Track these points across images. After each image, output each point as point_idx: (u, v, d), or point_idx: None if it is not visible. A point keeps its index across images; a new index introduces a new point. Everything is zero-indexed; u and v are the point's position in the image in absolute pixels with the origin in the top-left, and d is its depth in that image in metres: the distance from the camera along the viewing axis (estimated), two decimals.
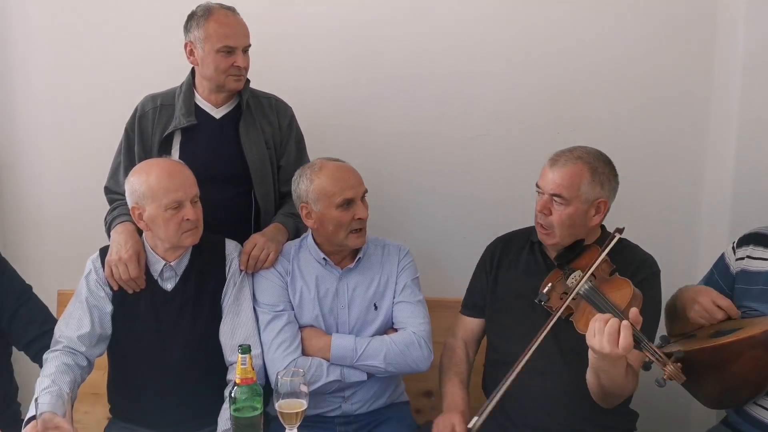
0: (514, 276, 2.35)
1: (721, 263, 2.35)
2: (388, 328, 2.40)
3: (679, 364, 1.91)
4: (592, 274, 2.11)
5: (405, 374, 2.42)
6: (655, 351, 1.91)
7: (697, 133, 2.92)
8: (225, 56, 2.44)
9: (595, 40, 2.90)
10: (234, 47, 2.44)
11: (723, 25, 2.82)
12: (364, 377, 2.33)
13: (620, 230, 2.19)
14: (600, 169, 2.21)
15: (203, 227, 2.31)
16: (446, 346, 2.42)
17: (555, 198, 2.19)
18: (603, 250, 2.15)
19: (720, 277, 2.33)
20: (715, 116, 2.88)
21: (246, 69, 2.50)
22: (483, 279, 2.42)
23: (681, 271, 2.80)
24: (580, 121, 2.90)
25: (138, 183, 2.21)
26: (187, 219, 2.20)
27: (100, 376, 2.47)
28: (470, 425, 2.06)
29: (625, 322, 1.86)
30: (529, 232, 2.40)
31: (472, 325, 2.42)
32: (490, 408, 2.04)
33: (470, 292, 2.47)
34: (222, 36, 2.43)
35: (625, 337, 1.84)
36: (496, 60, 2.94)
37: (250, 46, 2.51)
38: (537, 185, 2.26)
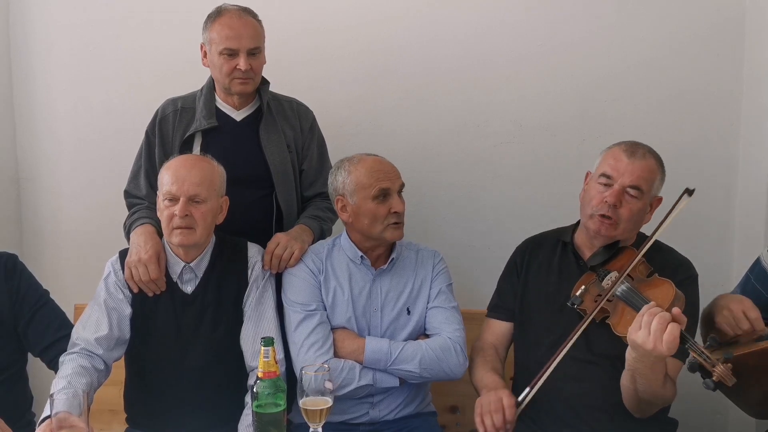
0: (544, 279, 2.26)
1: (757, 267, 2.27)
2: (420, 334, 2.34)
3: (729, 365, 1.79)
4: (629, 275, 2.02)
5: (438, 381, 2.34)
6: (702, 351, 1.81)
7: (729, 138, 2.87)
8: (227, 59, 2.40)
9: (621, 44, 2.87)
10: (236, 50, 2.39)
11: (752, 26, 2.78)
12: (397, 383, 2.25)
13: (690, 191, 2.03)
14: (663, 166, 2.16)
15: (224, 229, 2.28)
16: (475, 348, 2.33)
17: (630, 190, 2.08)
18: (672, 208, 2.00)
19: (757, 281, 2.24)
20: (747, 120, 2.83)
21: (254, 72, 2.43)
22: (512, 281, 2.33)
23: (715, 279, 2.73)
24: (606, 127, 2.85)
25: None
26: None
27: (116, 392, 2.41)
28: (520, 398, 1.96)
29: (673, 320, 1.76)
30: (560, 233, 2.32)
31: (501, 328, 2.32)
32: (540, 382, 1.95)
33: (498, 294, 2.38)
34: (223, 38, 2.39)
35: (671, 332, 1.74)
36: (520, 66, 2.92)
37: (258, 48, 2.44)
38: (605, 173, 2.11)
